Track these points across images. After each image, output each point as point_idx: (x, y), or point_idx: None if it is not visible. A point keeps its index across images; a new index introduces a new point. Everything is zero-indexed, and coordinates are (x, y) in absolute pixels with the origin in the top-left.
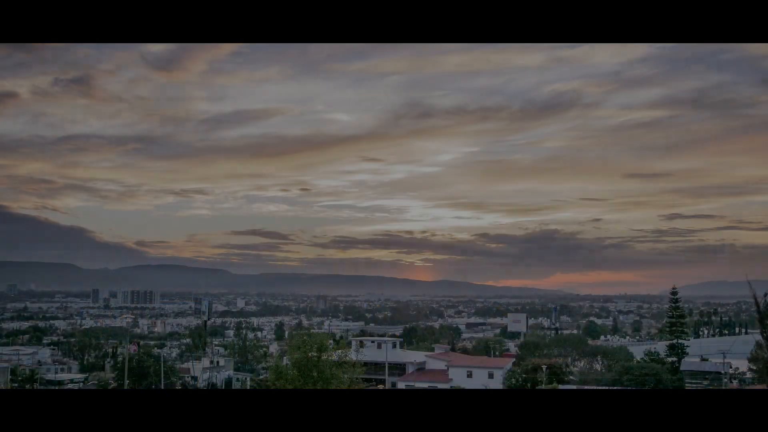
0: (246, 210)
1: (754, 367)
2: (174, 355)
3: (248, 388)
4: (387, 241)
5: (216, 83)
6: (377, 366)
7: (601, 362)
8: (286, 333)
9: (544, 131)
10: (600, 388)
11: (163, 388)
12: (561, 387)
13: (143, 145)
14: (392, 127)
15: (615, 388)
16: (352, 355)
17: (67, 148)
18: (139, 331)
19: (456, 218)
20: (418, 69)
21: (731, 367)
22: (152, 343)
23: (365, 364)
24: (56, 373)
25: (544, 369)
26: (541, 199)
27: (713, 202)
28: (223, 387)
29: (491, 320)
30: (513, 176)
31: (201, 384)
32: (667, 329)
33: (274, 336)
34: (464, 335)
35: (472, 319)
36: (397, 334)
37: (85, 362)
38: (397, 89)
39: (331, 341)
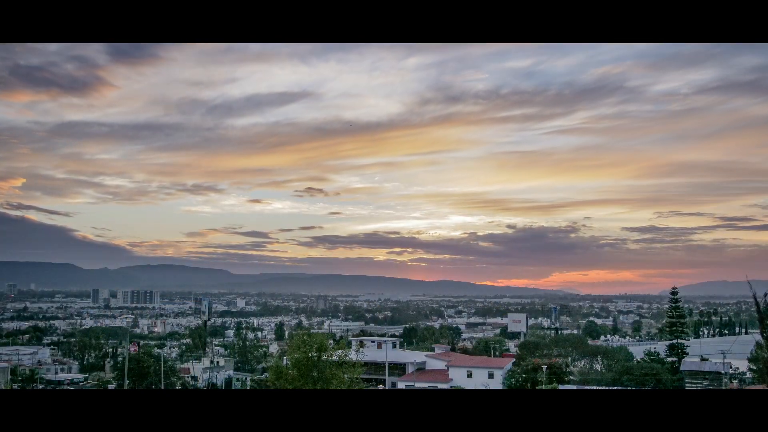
0: (248, 207)
1: (754, 367)
2: (174, 355)
3: (248, 388)
4: (377, 241)
5: (227, 60)
6: (377, 366)
7: (601, 362)
8: (286, 333)
9: (579, 117)
10: (600, 388)
11: (163, 388)
12: (561, 387)
13: (149, 132)
14: (416, 114)
15: (615, 388)
16: (352, 355)
17: (65, 139)
18: (139, 331)
19: (466, 216)
20: (450, 46)
21: (731, 367)
22: (152, 343)
23: (365, 364)
24: (56, 373)
25: (544, 369)
26: (555, 196)
27: (732, 200)
28: (223, 387)
29: (491, 320)
30: (535, 170)
31: (201, 384)
32: (667, 329)
33: (274, 336)
34: (464, 335)
35: (472, 319)
36: (397, 334)
37: (85, 362)
38: (425, 70)
39: (331, 341)
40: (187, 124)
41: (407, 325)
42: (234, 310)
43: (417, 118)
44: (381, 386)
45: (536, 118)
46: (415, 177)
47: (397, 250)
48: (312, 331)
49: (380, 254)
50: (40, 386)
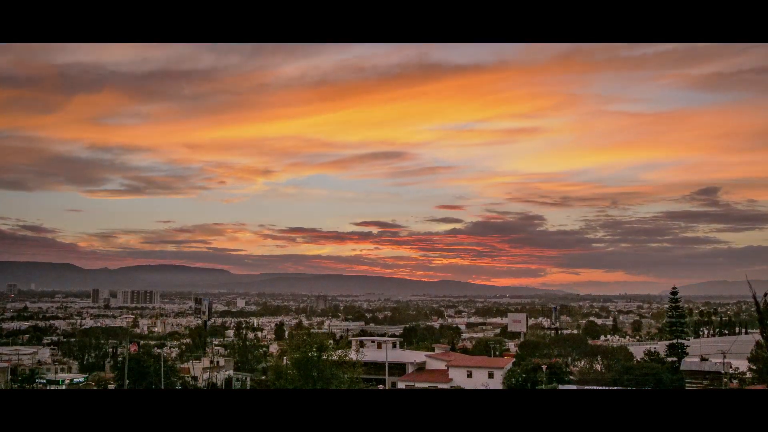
0: (266, 200)
1: (754, 367)
2: (174, 355)
3: (248, 388)
4: (382, 239)
5: None
6: (377, 366)
7: (601, 362)
8: (286, 333)
9: (746, 58)
10: (600, 388)
11: (163, 388)
12: (561, 387)
13: (169, 82)
14: (526, 53)
15: (615, 388)
16: (352, 355)
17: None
18: (139, 331)
19: (490, 209)
20: None
21: (731, 367)
22: (152, 343)
23: (365, 364)
24: (56, 373)
25: (544, 369)
26: (621, 175)
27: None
28: (223, 387)
29: (491, 320)
30: (622, 139)
31: (201, 384)
32: (667, 329)
33: (274, 336)
34: (464, 335)
35: (472, 319)
36: (397, 334)
37: (85, 362)
38: None
39: (331, 341)
40: (221, 69)
41: (407, 325)
42: (234, 310)
43: (533, 57)
44: (381, 386)
45: (682, 61)
46: (482, 152)
47: (398, 249)
48: (312, 331)
49: (382, 252)
50: (45, 383)
